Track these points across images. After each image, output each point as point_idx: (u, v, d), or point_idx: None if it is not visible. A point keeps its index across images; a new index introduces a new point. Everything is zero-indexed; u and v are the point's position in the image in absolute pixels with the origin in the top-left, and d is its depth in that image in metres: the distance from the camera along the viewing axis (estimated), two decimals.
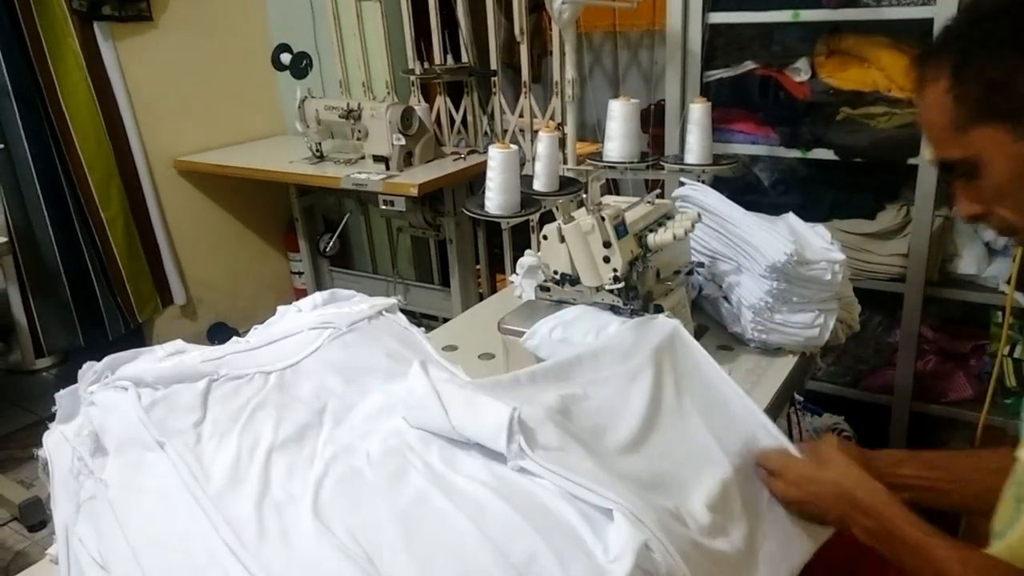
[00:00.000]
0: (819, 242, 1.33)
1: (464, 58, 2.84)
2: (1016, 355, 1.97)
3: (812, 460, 0.96)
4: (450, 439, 0.89)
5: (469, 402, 0.89)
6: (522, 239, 2.70)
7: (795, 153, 2.07)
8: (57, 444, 0.90)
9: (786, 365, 1.30)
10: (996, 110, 0.77)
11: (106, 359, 0.97)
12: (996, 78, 0.76)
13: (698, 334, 1.32)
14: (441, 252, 3.25)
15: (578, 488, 0.79)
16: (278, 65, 2.94)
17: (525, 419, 0.85)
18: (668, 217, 1.28)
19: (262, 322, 1.14)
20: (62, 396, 0.95)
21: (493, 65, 2.76)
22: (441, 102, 2.97)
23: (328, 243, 3.38)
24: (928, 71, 0.81)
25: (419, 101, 2.98)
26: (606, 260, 1.14)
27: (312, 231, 3.43)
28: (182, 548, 0.75)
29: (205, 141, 3.20)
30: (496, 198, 1.38)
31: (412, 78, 2.94)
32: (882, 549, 0.89)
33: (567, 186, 1.53)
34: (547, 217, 1.28)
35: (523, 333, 1.19)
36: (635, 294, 1.18)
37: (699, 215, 1.28)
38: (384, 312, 1.15)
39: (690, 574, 0.77)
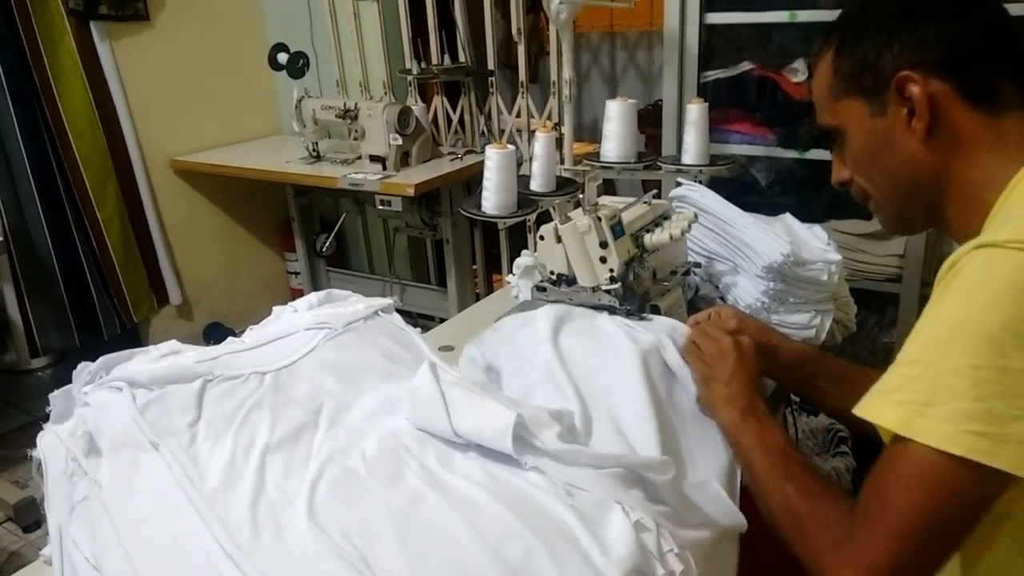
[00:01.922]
0: (816, 242, 1.33)
1: (461, 58, 2.84)
2: None
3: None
4: (444, 440, 0.89)
5: (474, 405, 0.89)
6: (519, 239, 2.69)
7: (792, 153, 2.07)
8: (51, 444, 0.90)
9: None
10: (861, 85, 0.85)
11: (101, 359, 0.96)
12: (867, 56, 0.84)
13: None
14: (438, 252, 3.25)
15: (583, 483, 0.80)
16: (275, 65, 2.93)
17: (527, 420, 0.85)
18: (665, 217, 1.28)
19: (258, 322, 1.14)
20: (56, 396, 0.94)
21: (490, 65, 2.76)
22: (438, 102, 2.97)
23: (324, 243, 3.38)
24: (823, 44, 0.90)
25: (416, 101, 2.98)
26: (603, 260, 1.14)
27: (308, 231, 3.43)
28: (176, 549, 0.75)
29: (201, 140, 3.20)
30: (493, 198, 1.38)
31: (409, 78, 2.94)
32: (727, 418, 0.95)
33: (564, 186, 1.53)
34: (544, 217, 1.28)
35: None
36: (631, 294, 1.18)
37: (696, 215, 1.28)
38: (380, 312, 1.14)
39: (695, 567, 0.77)
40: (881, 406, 0.71)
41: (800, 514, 0.80)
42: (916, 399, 0.68)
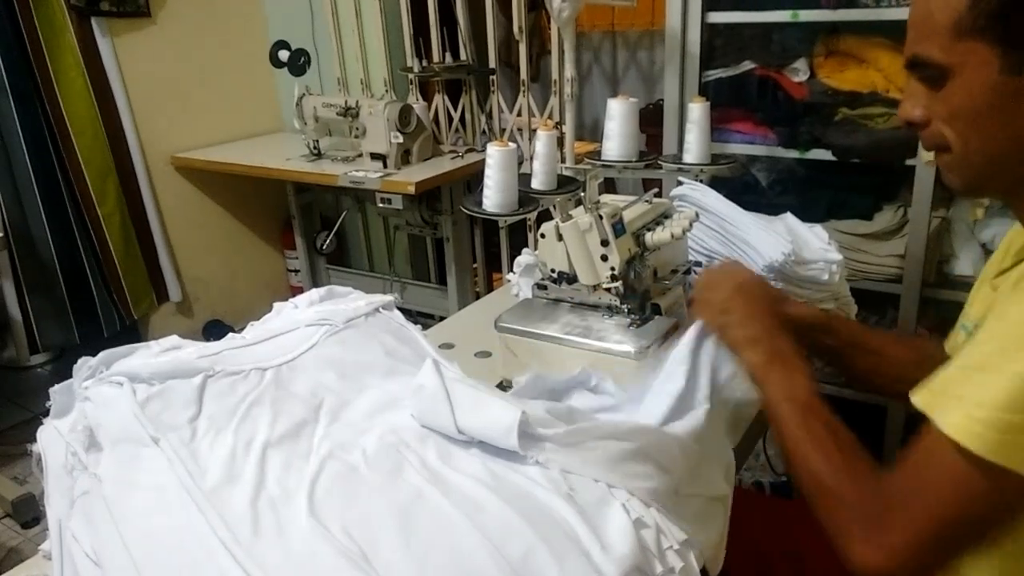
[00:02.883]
0: (817, 242, 1.33)
1: (463, 56, 2.84)
2: None
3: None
4: (445, 437, 0.89)
5: (478, 402, 0.89)
6: (519, 238, 2.69)
7: (793, 153, 2.07)
8: (51, 439, 0.90)
9: None
10: (1003, 32, 0.71)
11: (101, 354, 0.96)
12: (1022, 2, 0.71)
13: None
14: (438, 250, 3.25)
15: (585, 470, 0.81)
16: (276, 62, 2.93)
17: (532, 418, 0.85)
18: (666, 216, 1.28)
19: (258, 319, 1.14)
20: (57, 391, 0.94)
21: (492, 63, 2.76)
22: (439, 100, 2.97)
23: (325, 241, 3.38)
24: None
25: (417, 99, 2.98)
26: (604, 259, 1.13)
27: (309, 229, 3.42)
28: (176, 544, 0.75)
29: (202, 137, 3.20)
30: (494, 196, 1.38)
31: (410, 76, 2.94)
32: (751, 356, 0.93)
33: (565, 185, 1.53)
34: (545, 216, 1.28)
35: (520, 331, 1.18)
36: (632, 293, 1.17)
37: (697, 214, 1.28)
38: (381, 309, 1.14)
39: (695, 566, 0.77)
40: (937, 399, 0.71)
41: (825, 488, 0.79)
42: (970, 398, 0.67)
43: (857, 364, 1.10)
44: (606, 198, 1.30)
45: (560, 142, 1.50)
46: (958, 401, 0.69)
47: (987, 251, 1.96)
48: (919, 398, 0.73)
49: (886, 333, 0.87)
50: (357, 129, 2.75)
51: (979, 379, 0.68)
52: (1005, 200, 0.86)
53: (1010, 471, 0.65)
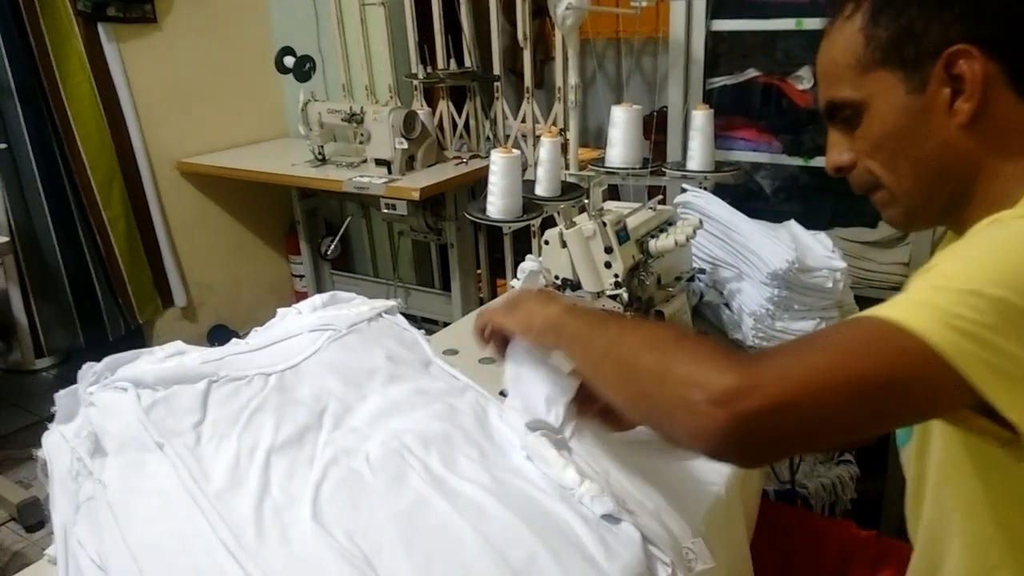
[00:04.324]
0: (821, 250, 1.33)
1: (467, 63, 2.85)
2: None
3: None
4: (448, 443, 0.89)
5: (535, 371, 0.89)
6: (523, 244, 2.70)
7: (797, 161, 2.07)
8: (56, 445, 0.90)
9: None
10: (899, 57, 0.75)
11: (106, 360, 0.97)
12: (913, 25, 0.74)
13: None
14: (442, 256, 3.25)
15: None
16: (281, 68, 2.94)
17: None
18: (670, 223, 1.28)
19: (262, 325, 1.14)
20: (62, 396, 0.95)
21: (496, 70, 2.77)
22: (444, 106, 2.98)
23: (329, 246, 3.38)
24: (847, 7, 0.79)
25: (422, 105, 2.98)
26: (607, 265, 1.14)
27: (313, 234, 3.43)
28: (181, 549, 0.75)
29: (208, 143, 3.21)
30: (498, 203, 1.38)
31: (415, 82, 2.94)
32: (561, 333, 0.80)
33: (569, 191, 1.53)
34: (548, 222, 1.29)
35: None
36: (636, 300, 1.18)
37: (701, 221, 1.28)
38: (384, 314, 1.15)
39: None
40: (892, 304, 0.62)
41: (670, 351, 0.66)
42: (920, 299, 0.61)
43: None
44: (610, 205, 1.31)
45: (564, 149, 1.50)
46: (901, 302, 0.62)
47: None
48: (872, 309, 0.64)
49: None
50: (362, 135, 2.75)
51: (939, 286, 0.62)
52: (945, 224, 0.85)
53: (938, 354, 0.57)
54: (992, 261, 0.63)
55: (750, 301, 1.30)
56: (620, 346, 0.72)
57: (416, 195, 2.53)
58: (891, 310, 0.61)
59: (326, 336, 1.07)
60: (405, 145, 2.66)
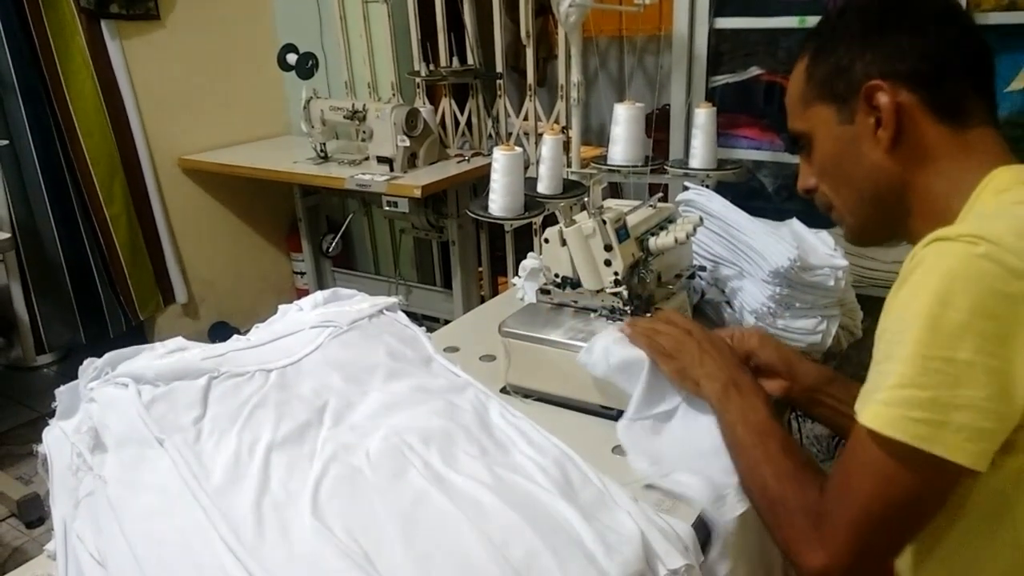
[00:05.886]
0: (823, 248, 1.33)
1: (470, 60, 2.85)
2: None
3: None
4: (449, 439, 0.89)
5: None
6: (525, 242, 2.70)
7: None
8: (56, 440, 0.90)
9: None
10: (832, 92, 0.86)
11: (106, 356, 0.97)
12: (840, 63, 0.85)
13: None
14: (443, 254, 3.25)
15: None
16: (284, 65, 2.94)
17: None
18: (670, 221, 1.28)
19: (264, 321, 1.14)
20: (62, 392, 0.95)
21: (499, 68, 2.76)
22: (446, 104, 2.97)
23: (331, 243, 3.38)
24: (801, 50, 0.91)
25: (424, 103, 2.98)
26: (607, 263, 1.13)
27: (315, 231, 3.43)
28: (181, 545, 0.75)
29: (210, 140, 3.21)
30: (499, 200, 1.38)
31: (417, 80, 2.94)
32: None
33: (571, 189, 1.52)
34: (550, 220, 1.28)
35: (523, 336, 1.18)
36: (636, 298, 1.17)
37: (701, 219, 1.28)
38: (385, 311, 1.15)
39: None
40: (859, 401, 0.73)
41: (773, 498, 0.81)
42: (869, 387, 0.71)
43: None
44: (610, 203, 1.31)
45: (566, 146, 1.50)
46: (868, 395, 0.72)
47: None
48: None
49: None
50: (364, 132, 2.75)
51: (878, 370, 0.71)
52: (898, 238, 0.92)
53: (920, 450, 0.67)
54: (910, 313, 0.70)
55: (751, 299, 1.30)
56: (754, 467, 0.85)
57: (418, 192, 2.53)
58: (868, 417, 0.71)
59: (327, 333, 1.07)
60: (407, 143, 2.66)
